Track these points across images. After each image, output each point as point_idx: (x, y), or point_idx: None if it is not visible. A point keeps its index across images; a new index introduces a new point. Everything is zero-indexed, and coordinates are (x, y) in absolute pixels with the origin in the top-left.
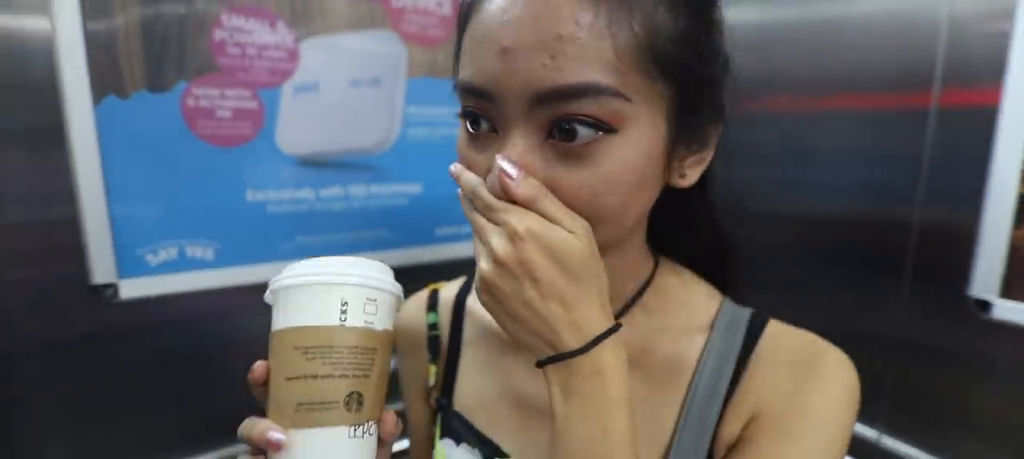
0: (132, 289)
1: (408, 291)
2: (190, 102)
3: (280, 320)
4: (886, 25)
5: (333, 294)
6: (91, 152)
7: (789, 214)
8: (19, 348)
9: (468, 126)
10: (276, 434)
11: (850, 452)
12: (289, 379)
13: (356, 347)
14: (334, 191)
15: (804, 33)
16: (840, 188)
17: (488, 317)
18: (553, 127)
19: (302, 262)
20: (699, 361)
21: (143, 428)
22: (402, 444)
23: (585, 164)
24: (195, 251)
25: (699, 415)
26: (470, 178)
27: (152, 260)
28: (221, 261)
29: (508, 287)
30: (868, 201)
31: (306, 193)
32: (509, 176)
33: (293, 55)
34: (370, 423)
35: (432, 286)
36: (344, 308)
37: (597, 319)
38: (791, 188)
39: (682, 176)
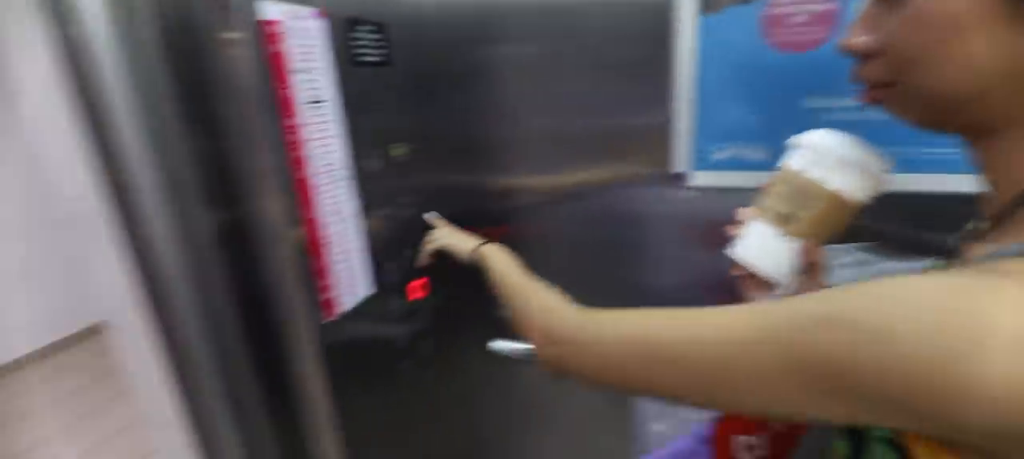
0: (700, 179)
1: None
2: (771, 11)
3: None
4: None
5: (802, 153)
6: (690, 61)
7: None
8: (612, 219)
9: None
10: (740, 210)
11: None
12: (769, 189)
13: (799, 188)
14: None
15: None
16: None
17: None
18: None
19: (820, 131)
20: None
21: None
22: None
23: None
24: (750, 153)
25: None
26: None
27: (716, 156)
28: (769, 164)
29: None
30: None
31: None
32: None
33: None
34: (795, 239)
35: None
36: (807, 164)
37: None
38: None
39: None
